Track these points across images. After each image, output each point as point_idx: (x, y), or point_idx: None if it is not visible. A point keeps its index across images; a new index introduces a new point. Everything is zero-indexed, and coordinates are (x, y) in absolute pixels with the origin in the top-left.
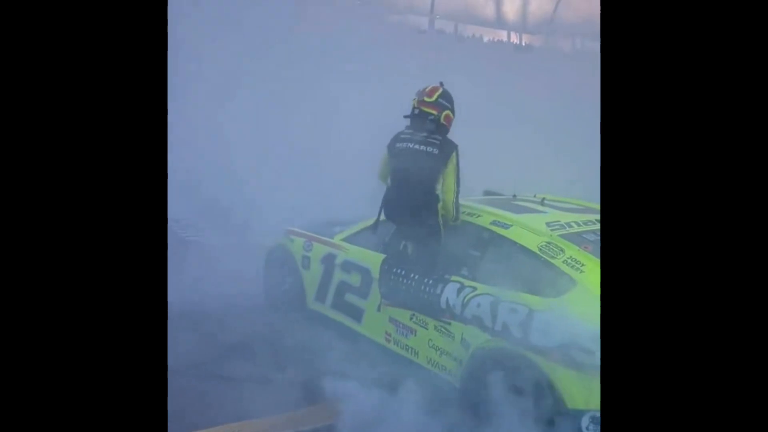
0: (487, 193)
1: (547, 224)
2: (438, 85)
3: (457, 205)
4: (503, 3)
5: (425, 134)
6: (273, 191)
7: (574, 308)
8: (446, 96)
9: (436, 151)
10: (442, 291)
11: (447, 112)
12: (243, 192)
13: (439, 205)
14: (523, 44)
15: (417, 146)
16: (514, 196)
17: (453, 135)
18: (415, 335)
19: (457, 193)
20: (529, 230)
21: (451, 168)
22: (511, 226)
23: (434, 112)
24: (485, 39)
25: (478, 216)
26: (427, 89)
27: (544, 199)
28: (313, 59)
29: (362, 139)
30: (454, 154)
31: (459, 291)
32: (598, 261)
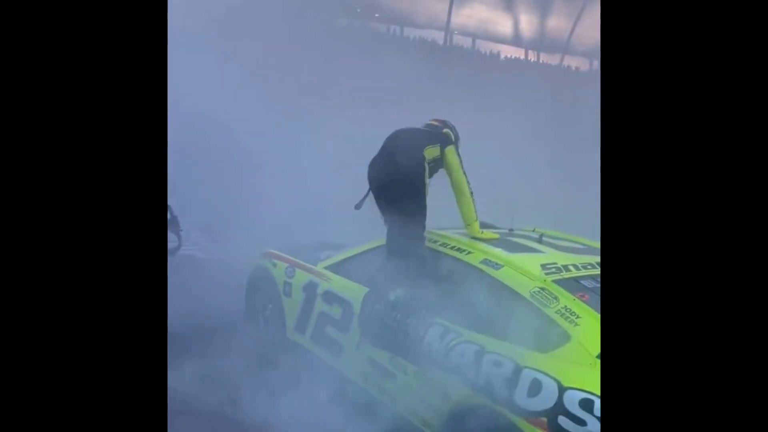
0: (482, 225)
1: (542, 266)
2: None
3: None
4: (520, 21)
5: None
6: (263, 208)
7: (566, 368)
8: (453, 126)
9: (434, 131)
10: (424, 334)
11: (447, 130)
12: (236, 206)
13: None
14: (540, 62)
15: (414, 127)
16: (511, 230)
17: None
18: (395, 379)
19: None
20: (521, 272)
21: (451, 153)
22: (503, 266)
23: (438, 124)
24: (502, 56)
25: (468, 253)
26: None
27: (542, 235)
28: (319, 71)
29: (363, 158)
30: (452, 146)
31: (442, 336)
32: (595, 314)
